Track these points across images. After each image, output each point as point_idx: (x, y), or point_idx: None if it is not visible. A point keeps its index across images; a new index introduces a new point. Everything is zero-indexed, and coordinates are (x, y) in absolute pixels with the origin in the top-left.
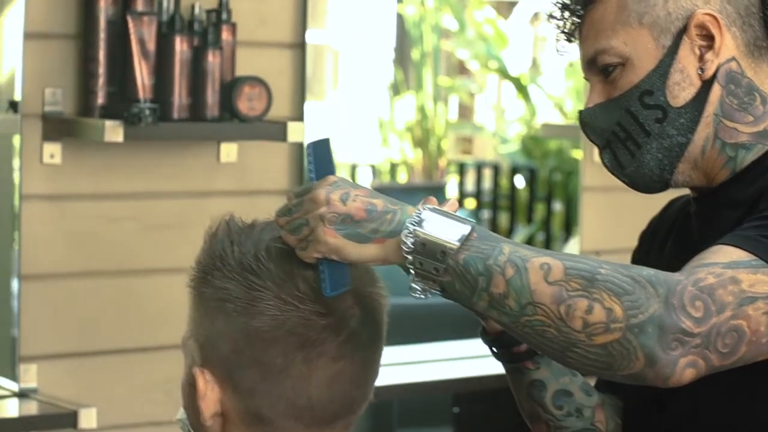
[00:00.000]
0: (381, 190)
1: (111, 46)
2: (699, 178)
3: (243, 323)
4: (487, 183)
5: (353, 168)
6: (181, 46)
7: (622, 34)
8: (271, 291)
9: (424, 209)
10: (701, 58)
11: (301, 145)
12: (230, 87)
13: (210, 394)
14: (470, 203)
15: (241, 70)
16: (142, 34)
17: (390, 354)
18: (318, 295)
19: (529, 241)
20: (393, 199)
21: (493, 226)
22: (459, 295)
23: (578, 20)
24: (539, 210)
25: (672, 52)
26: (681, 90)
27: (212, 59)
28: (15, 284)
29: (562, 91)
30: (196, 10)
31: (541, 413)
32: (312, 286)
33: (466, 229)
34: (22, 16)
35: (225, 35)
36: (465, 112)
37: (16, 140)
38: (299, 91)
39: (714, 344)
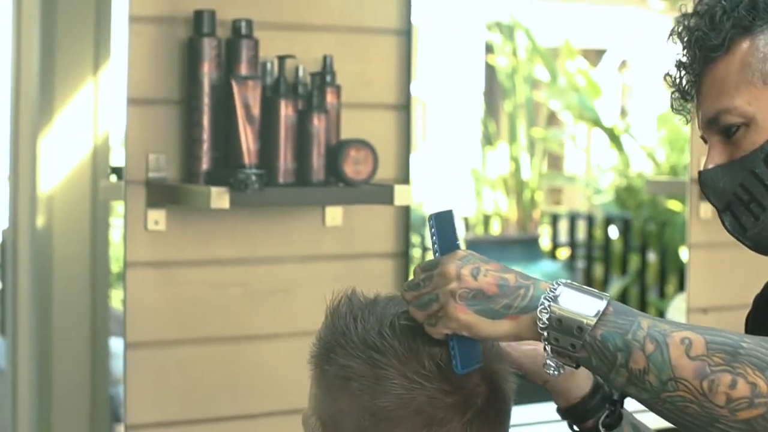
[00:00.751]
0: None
1: (215, 110)
2: None
3: (368, 402)
4: (581, 234)
5: None
6: (286, 111)
7: (745, 93)
8: (396, 369)
9: (559, 284)
10: None
11: (407, 208)
12: (336, 150)
13: None
14: (564, 254)
15: (345, 133)
16: (247, 98)
17: None
18: (444, 372)
19: (624, 292)
20: (525, 273)
21: (588, 277)
22: (595, 370)
23: (697, 77)
24: (633, 261)
25: None
26: None
27: (317, 123)
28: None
29: (654, 140)
30: (300, 73)
31: None
32: (438, 363)
33: (602, 304)
34: (126, 81)
35: (330, 98)
36: (556, 162)
37: (121, 206)
38: (404, 153)
39: None
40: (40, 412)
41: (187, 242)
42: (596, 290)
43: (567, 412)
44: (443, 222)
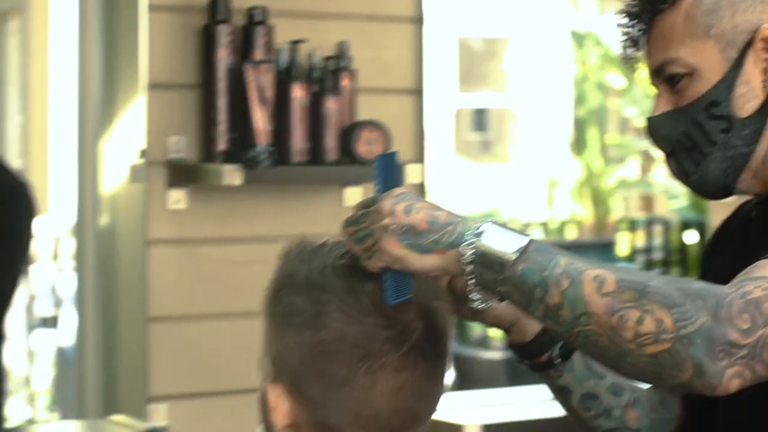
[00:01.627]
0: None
1: (231, 94)
2: (759, 187)
3: (308, 336)
4: (658, 239)
5: (524, 227)
6: (298, 93)
7: (689, 45)
8: (335, 305)
9: (484, 222)
10: (766, 71)
11: (420, 186)
12: (349, 131)
13: (281, 407)
14: (641, 259)
15: (363, 116)
16: (261, 81)
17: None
18: (380, 309)
19: None
20: (455, 213)
21: None
22: (516, 304)
23: (645, 27)
24: None
25: (738, 64)
26: (746, 102)
27: (330, 105)
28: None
29: None
30: (315, 58)
31: (573, 415)
32: (374, 300)
33: (524, 241)
34: (146, 67)
35: (344, 82)
36: (634, 169)
37: (142, 187)
38: (419, 135)
39: (760, 355)
40: (106, 388)
41: (207, 220)
42: (520, 229)
43: (522, 349)
44: (387, 163)
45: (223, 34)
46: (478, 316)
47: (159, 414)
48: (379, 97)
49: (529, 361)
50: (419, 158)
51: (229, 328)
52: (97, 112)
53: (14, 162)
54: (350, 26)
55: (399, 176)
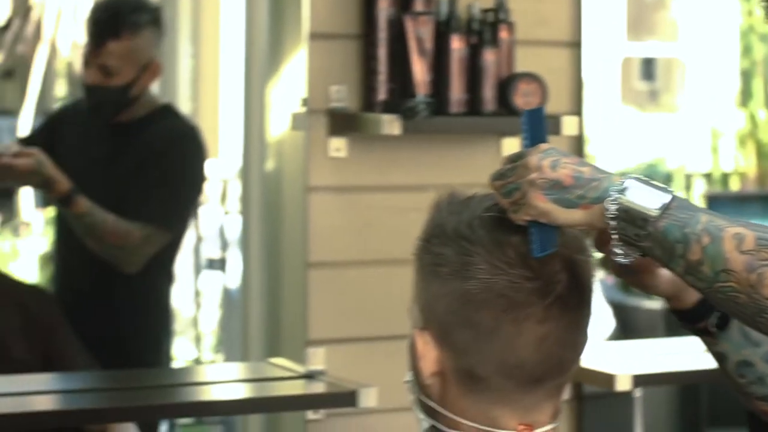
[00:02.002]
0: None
1: (391, 44)
2: None
3: (456, 286)
4: None
5: (687, 177)
6: (457, 44)
7: None
8: (482, 256)
9: (628, 178)
10: None
11: (578, 138)
12: (506, 83)
13: (428, 355)
14: None
15: (520, 68)
16: (420, 33)
17: None
18: (526, 261)
19: None
20: (601, 168)
21: None
22: (658, 260)
23: None
24: None
25: None
26: None
27: (489, 57)
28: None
29: None
30: (474, 10)
31: (728, 380)
32: (520, 252)
33: (666, 197)
34: (307, 18)
35: (503, 34)
36: None
37: (303, 135)
38: (576, 88)
39: None
40: (268, 331)
41: (367, 168)
42: (663, 185)
43: (681, 314)
44: (534, 118)
45: None
46: (624, 274)
47: (317, 358)
48: (537, 49)
49: (688, 325)
50: (576, 111)
51: (386, 274)
52: (263, 60)
53: (185, 105)
54: None
55: (546, 131)
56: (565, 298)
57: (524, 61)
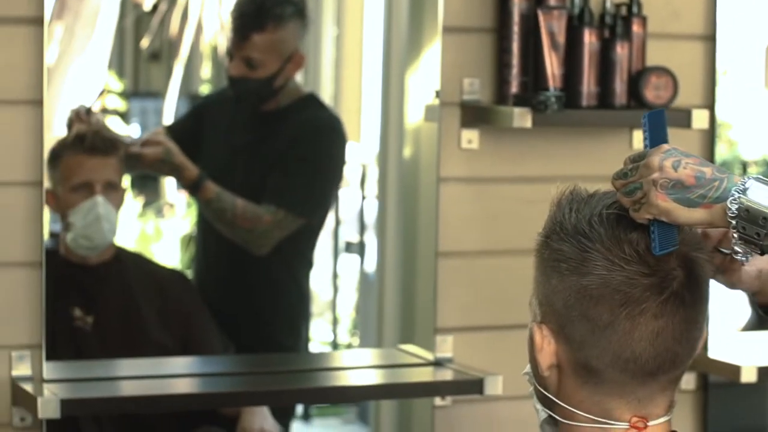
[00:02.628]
0: None
1: (524, 38)
2: None
3: (574, 281)
4: None
5: None
6: (589, 38)
7: None
8: (600, 253)
9: (749, 178)
10: None
11: (709, 131)
12: (638, 77)
13: (546, 348)
14: None
15: (651, 61)
16: (553, 27)
17: None
18: (643, 258)
19: None
20: (722, 168)
21: None
22: None
23: None
24: None
25: None
26: None
27: (620, 50)
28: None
29: None
30: (607, 4)
31: None
32: (637, 249)
33: None
34: (441, 11)
35: (635, 28)
36: None
37: (436, 127)
38: (709, 82)
39: None
40: (403, 317)
41: (498, 160)
42: None
43: (764, 307)
44: (656, 120)
45: None
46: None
47: (445, 345)
48: (670, 43)
49: None
50: (709, 104)
51: (514, 265)
52: (402, 50)
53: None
54: None
55: (666, 133)
56: (681, 294)
57: (656, 55)
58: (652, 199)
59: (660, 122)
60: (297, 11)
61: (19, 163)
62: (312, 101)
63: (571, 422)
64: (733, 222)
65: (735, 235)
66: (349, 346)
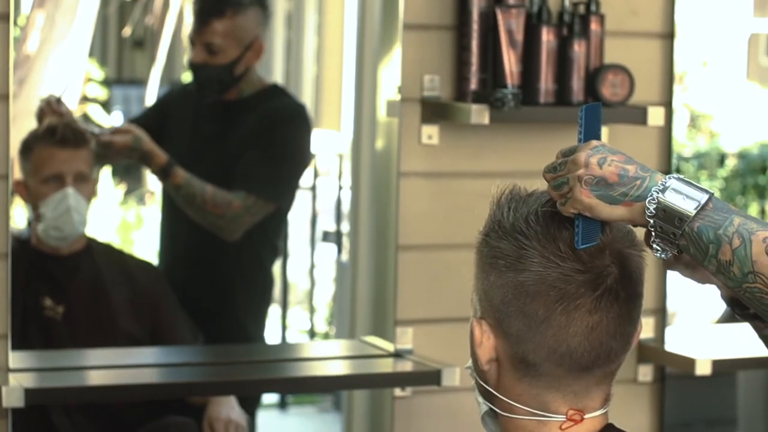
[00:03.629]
0: None
1: (483, 36)
2: None
3: (511, 278)
4: None
5: None
6: (547, 36)
7: None
8: (536, 250)
9: (670, 178)
10: None
11: (665, 129)
12: (594, 74)
13: (486, 342)
14: None
15: (610, 59)
16: (511, 25)
17: None
18: (577, 254)
19: None
20: (646, 166)
21: None
22: (693, 257)
23: None
24: None
25: None
26: None
27: (578, 48)
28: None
29: None
30: (565, 2)
31: None
32: (572, 246)
33: (703, 198)
34: (402, 9)
35: (593, 26)
36: None
37: (396, 122)
38: (667, 80)
39: None
40: (376, 300)
41: (457, 156)
42: (702, 186)
43: (731, 301)
44: (592, 114)
45: None
46: (675, 267)
47: (405, 337)
48: (628, 41)
49: (738, 311)
50: (666, 102)
51: (473, 258)
52: (375, 44)
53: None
54: None
55: (600, 128)
56: (615, 290)
57: (615, 53)
58: (576, 195)
59: (596, 116)
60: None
61: None
62: (276, 91)
63: (510, 415)
64: (651, 221)
65: (653, 233)
66: (326, 335)
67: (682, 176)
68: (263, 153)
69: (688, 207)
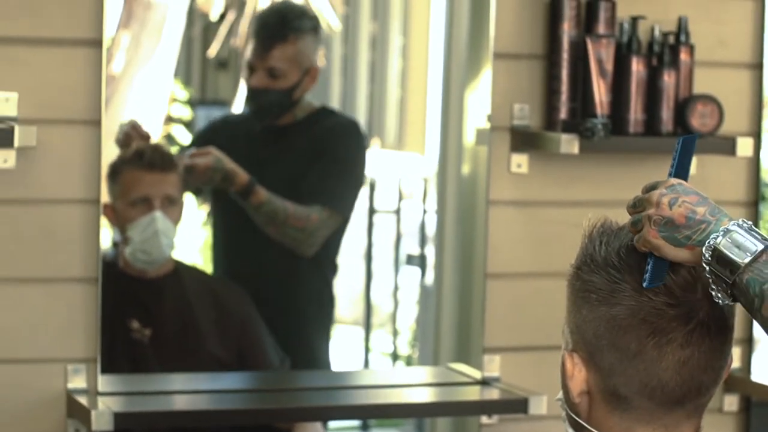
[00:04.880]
0: None
1: (573, 65)
2: None
3: (604, 312)
4: None
5: None
6: (637, 66)
7: None
8: (629, 284)
9: (733, 224)
10: None
11: (754, 159)
12: (684, 104)
13: (577, 375)
14: None
15: (698, 89)
16: (601, 54)
17: None
18: (669, 289)
19: None
20: (718, 208)
21: None
22: (743, 306)
23: None
24: None
25: None
26: None
27: (667, 78)
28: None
29: None
30: (655, 33)
31: None
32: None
33: (757, 249)
34: (492, 38)
35: (683, 56)
36: None
37: (484, 150)
38: (756, 110)
39: None
40: (458, 333)
41: (547, 184)
42: (763, 236)
43: None
44: (687, 146)
45: (568, 8)
46: None
47: (492, 365)
48: (717, 71)
49: None
50: (755, 132)
51: (560, 287)
52: (461, 70)
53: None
54: (689, 1)
55: (690, 163)
56: (707, 324)
57: (704, 83)
58: (645, 234)
59: (690, 149)
60: (314, 26)
61: (77, 181)
62: (327, 111)
63: None
64: (707, 268)
65: (710, 279)
66: (409, 358)
67: (748, 223)
68: (328, 168)
69: (741, 257)
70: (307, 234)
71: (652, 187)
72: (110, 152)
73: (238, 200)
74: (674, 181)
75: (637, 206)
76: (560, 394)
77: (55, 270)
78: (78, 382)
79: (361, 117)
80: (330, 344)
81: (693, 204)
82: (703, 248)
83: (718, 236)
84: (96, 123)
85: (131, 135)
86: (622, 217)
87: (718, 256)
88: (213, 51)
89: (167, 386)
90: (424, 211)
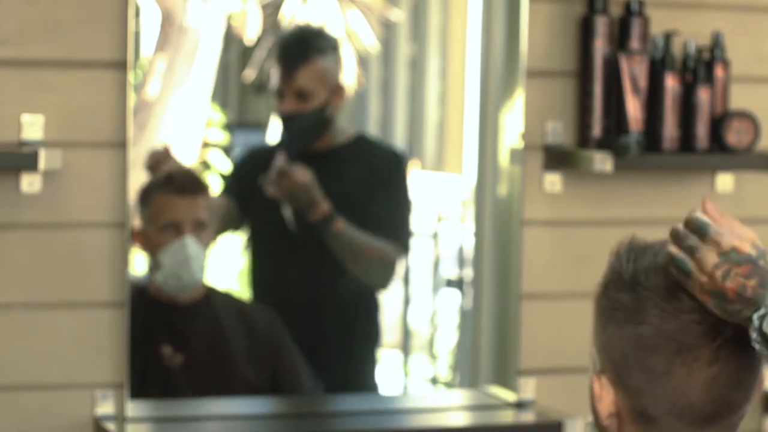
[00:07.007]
0: None
1: (606, 82)
2: None
3: (630, 330)
4: None
5: None
6: (671, 82)
7: None
8: (654, 302)
9: None
10: None
11: None
12: (719, 121)
13: (605, 397)
14: None
15: (735, 105)
16: (634, 71)
17: None
18: (696, 306)
19: None
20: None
21: None
22: None
23: None
24: None
25: None
26: None
27: (702, 95)
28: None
29: None
30: (689, 48)
31: None
32: (691, 298)
33: None
34: (525, 55)
35: (718, 72)
36: None
37: (518, 169)
38: None
39: None
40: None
41: (581, 203)
42: None
43: None
44: None
45: (601, 25)
46: None
47: (527, 387)
48: (754, 87)
49: None
50: None
51: None
52: (498, 90)
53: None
54: (725, 17)
55: None
56: (734, 340)
57: (740, 99)
58: (698, 296)
59: None
60: (333, 45)
61: (104, 204)
62: (365, 139)
63: None
64: (757, 346)
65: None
66: (449, 382)
67: None
68: (390, 202)
69: None
70: (391, 268)
71: (697, 227)
72: (141, 177)
73: (317, 229)
74: (728, 246)
75: (684, 243)
76: (591, 418)
77: (81, 294)
78: (106, 407)
79: (400, 139)
80: (376, 368)
81: (744, 277)
82: (750, 329)
83: (760, 317)
84: (122, 145)
85: (161, 159)
86: (657, 236)
87: (761, 335)
88: (250, 75)
89: (197, 411)
90: (463, 233)
